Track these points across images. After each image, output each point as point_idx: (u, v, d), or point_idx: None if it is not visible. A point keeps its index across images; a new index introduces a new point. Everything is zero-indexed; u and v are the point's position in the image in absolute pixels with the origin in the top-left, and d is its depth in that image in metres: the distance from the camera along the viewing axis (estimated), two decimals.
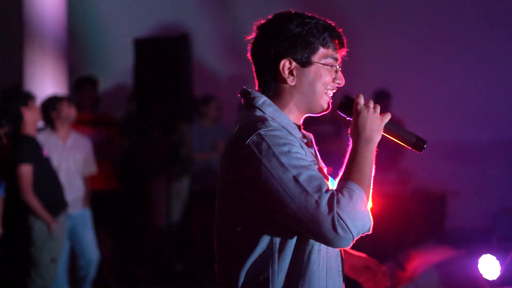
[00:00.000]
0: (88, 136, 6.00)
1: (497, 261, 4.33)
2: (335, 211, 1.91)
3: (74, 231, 5.57)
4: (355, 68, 7.80)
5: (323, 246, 2.04)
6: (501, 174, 7.94)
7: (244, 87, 2.17)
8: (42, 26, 6.10)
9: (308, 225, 1.94)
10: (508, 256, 4.11)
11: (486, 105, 7.94)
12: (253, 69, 2.16)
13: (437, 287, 4.98)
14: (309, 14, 2.12)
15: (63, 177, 5.38)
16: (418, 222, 6.10)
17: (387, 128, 2.08)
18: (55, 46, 6.17)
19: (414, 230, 6.05)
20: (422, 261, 5.16)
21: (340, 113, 2.15)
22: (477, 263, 4.43)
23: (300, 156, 2.00)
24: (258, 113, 2.08)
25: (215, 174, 7.41)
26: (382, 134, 2.08)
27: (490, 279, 4.39)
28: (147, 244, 7.20)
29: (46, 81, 6.08)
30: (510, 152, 7.75)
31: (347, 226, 1.92)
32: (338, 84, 2.14)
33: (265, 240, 2.03)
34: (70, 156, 5.50)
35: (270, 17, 2.14)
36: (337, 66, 2.13)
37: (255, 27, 2.14)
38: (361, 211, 1.95)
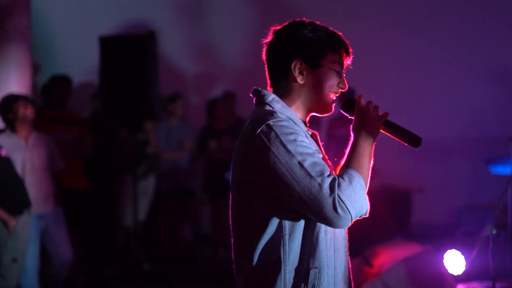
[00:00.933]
0: (61, 135, 5.91)
1: (462, 256, 4.39)
2: (336, 193, 2.14)
3: (46, 231, 5.51)
4: None
5: (329, 228, 2.25)
6: (465, 171, 8.05)
7: (255, 87, 2.39)
8: (4, 22, 6.01)
9: (311, 206, 2.16)
10: (472, 251, 4.17)
11: (451, 103, 8.04)
12: (266, 69, 2.39)
13: (403, 282, 5.02)
14: (321, 24, 2.35)
15: (30, 176, 5.32)
16: (384, 218, 6.16)
17: (385, 125, 2.32)
18: (19, 44, 6.09)
19: (380, 226, 6.10)
20: (389, 256, 5.20)
21: (343, 112, 2.38)
22: (442, 258, 4.48)
23: (305, 145, 2.22)
24: (267, 108, 2.31)
25: (181, 173, 7.41)
26: (381, 131, 2.31)
27: (456, 274, 4.44)
28: (114, 243, 7.16)
29: (9, 80, 5.99)
30: (474, 149, 7.86)
31: (347, 207, 2.14)
32: (342, 88, 2.37)
33: (275, 223, 2.24)
34: (34, 154, 5.43)
35: (286, 23, 2.38)
36: (342, 72, 2.37)
37: (271, 31, 2.38)
38: (360, 195, 2.18)
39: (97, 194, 7.06)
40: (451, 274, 4.55)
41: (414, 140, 2.30)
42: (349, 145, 2.28)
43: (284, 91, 2.35)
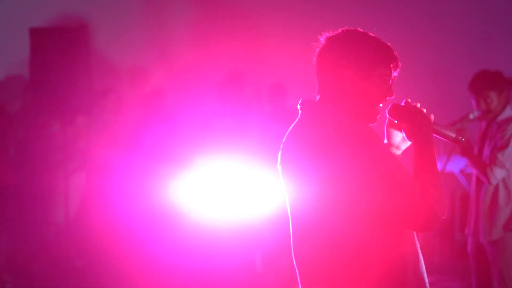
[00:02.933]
0: None
1: None
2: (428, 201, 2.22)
3: None
4: (254, 61, 7.90)
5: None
6: None
7: (303, 98, 2.42)
8: None
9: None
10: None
11: None
12: (316, 75, 2.42)
13: None
14: (373, 35, 2.41)
15: None
16: None
17: (434, 127, 2.39)
18: None
19: None
20: None
21: (390, 117, 2.43)
22: None
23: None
24: (319, 115, 2.34)
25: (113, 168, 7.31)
26: None
27: None
28: (44, 239, 7.04)
29: None
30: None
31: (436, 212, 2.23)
32: (389, 97, 2.41)
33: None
34: None
35: (339, 31, 2.41)
36: (390, 83, 2.41)
37: (324, 37, 2.41)
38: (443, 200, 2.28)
39: (26, 189, 6.93)
40: None
41: (458, 139, 2.39)
42: (414, 153, 2.34)
43: (333, 99, 2.37)
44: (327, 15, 8.30)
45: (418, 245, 2.35)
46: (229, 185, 6.54)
